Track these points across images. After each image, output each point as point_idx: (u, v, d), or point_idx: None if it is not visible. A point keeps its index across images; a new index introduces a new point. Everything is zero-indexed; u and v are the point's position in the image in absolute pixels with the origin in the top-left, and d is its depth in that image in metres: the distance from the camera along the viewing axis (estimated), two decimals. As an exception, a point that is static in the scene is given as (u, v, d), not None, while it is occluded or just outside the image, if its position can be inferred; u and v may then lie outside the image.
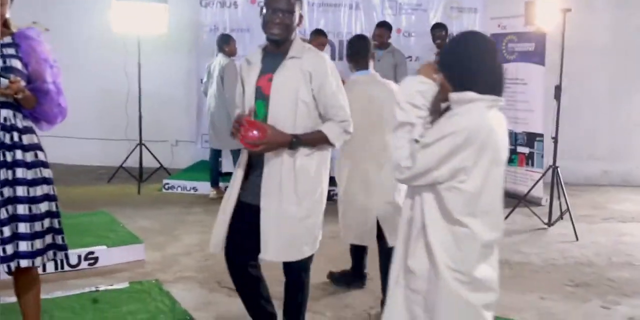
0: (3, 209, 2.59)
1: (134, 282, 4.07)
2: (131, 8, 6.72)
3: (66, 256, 2.95)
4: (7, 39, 2.66)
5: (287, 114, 2.79)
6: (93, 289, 3.93)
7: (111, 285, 4.01)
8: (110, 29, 6.92)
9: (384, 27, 6.64)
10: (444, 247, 2.11)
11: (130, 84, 7.45)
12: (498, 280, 2.22)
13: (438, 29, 6.81)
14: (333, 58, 7.73)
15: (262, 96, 2.85)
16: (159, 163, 7.55)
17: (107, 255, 4.55)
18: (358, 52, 3.70)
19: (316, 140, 2.82)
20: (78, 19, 7.94)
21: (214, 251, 2.99)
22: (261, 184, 2.83)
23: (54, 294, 3.83)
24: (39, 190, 2.70)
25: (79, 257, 4.45)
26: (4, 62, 2.61)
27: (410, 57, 7.52)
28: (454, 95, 2.13)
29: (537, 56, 6.59)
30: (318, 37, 6.25)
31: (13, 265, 2.62)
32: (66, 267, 4.40)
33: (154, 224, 5.66)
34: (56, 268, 4.35)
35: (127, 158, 7.38)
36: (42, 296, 3.63)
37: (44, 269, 4.27)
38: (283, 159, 2.79)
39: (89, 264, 4.49)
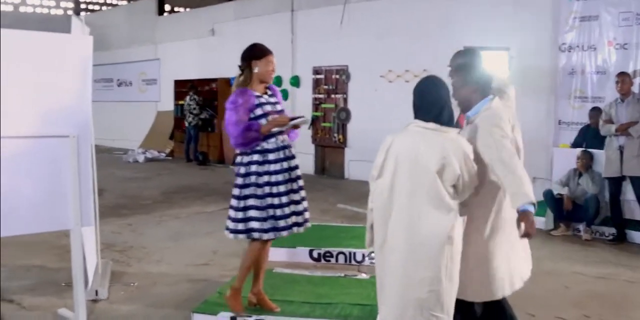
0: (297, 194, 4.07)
1: (373, 276, 5.02)
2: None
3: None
4: (270, 92, 4.15)
5: None
6: (342, 275, 5.06)
7: (355, 275, 5.08)
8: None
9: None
10: None
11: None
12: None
13: None
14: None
15: None
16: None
17: (385, 258, 5.62)
18: None
19: None
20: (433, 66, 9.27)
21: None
22: None
23: (315, 273, 5.14)
24: (301, 182, 4.14)
25: (363, 255, 5.65)
26: (274, 106, 4.10)
27: None
28: None
29: None
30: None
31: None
32: (353, 262, 5.66)
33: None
34: (345, 261, 5.66)
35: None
36: (308, 273, 4.97)
37: (337, 260, 5.67)
38: None
39: (371, 262, 5.62)
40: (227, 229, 4.08)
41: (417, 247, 2.97)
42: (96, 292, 4.59)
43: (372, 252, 3.28)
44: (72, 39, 4.25)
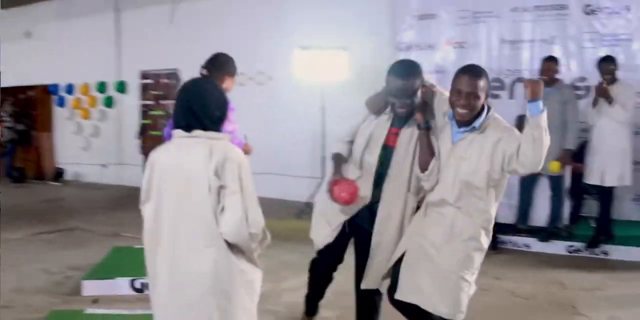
0: None
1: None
2: (312, 56, 7.20)
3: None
4: None
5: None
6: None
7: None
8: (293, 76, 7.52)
9: (552, 60, 5.98)
10: None
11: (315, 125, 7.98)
12: None
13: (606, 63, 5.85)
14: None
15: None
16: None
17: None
18: None
19: None
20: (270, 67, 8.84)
21: None
22: None
23: (135, 311, 4.34)
24: None
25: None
26: None
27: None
28: None
29: None
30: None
31: None
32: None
33: (297, 259, 5.75)
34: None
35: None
36: (127, 312, 4.14)
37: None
38: None
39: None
40: None
41: (180, 288, 2.38)
42: None
43: None
44: None
